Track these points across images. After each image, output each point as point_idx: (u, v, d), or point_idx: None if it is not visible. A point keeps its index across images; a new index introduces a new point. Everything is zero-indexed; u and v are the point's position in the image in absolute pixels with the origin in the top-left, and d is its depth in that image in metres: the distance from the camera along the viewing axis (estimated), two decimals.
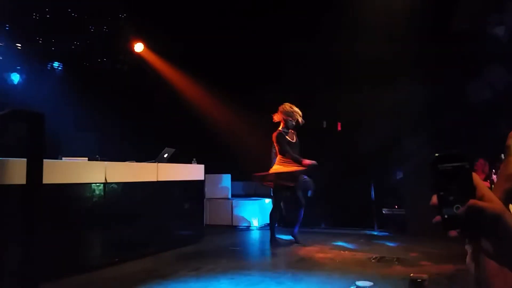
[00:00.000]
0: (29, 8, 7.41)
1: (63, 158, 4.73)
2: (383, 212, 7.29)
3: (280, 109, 6.17)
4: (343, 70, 7.16)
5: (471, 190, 0.65)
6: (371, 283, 3.93)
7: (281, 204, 6.46)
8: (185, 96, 9.17)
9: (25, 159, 3.34)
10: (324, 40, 7.16)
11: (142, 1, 8.45)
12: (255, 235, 7.36)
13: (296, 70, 7.73)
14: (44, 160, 3.50)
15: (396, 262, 4.90)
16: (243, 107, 8.06)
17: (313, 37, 7.29)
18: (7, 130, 4.15)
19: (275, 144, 6.14)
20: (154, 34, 8.47)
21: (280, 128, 6.15)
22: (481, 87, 6.31)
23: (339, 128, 7.96)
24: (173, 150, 6.06)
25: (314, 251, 5.70)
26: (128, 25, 8.59)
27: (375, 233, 7.06)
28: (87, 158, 4.88)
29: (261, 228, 7.91)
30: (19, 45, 7.48)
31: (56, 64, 8.30)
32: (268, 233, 7.00)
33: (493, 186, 0.83)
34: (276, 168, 6.08)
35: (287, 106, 6.15)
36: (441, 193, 0.66)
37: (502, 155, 0.73)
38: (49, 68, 8.27)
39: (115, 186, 4.95)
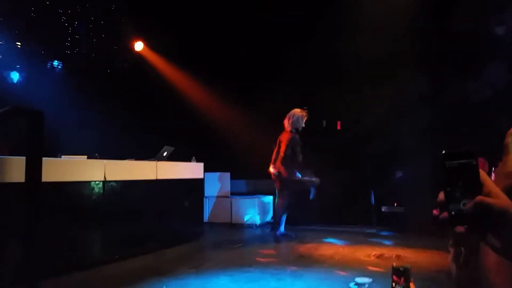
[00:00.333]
0: (28, 6, 7.41)
1: (62, 156, 4.74)
2: (383, 209, 7.29)
3: (291, 115, 6.35)
4: (343, 69, 7.17)
5: (477, 187, 0.66)
6: (370, 280, 3.95)
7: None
8: (184, 94, 9.18)
9: (24, 157, 3.34)
10: (324, 39, 7.16)
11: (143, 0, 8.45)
12: (254, 232, 7.37)
13: (296, 68, 7.74)
14: (43, 158, 3.50)
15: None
16: (242, 105, 8.07)
17: (313, 36, 7.29)
18: (7, 128, 4.16)
19: (290, 146, 6.24)
20: (154, 32, 8.47)
21: (293, 131, 6.32)
22: (481, 86, 6.32)
23: (339, 127, 7.97)
24: (173, 148, 6.06)
25: (313, 248, 5.71)
26: (128, 23, 8.58)
27: (374, 230, 7.07)
28: (86, 156, 4.89)
29: (260, 225, 7.92)
30: (19, 43, 7.48)
31: (55, 62, 8.31)
32: (267, 229, 7.04)
33: None
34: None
35: (298, 111, 6.35)
36: (448, 189, 0.67)
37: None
38: (48, 66, 8.28)
39: (114, 184, 4.96)
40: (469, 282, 0.72)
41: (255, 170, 7.90)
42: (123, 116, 8.11)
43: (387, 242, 6.08)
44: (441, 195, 0.68)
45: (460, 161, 0.67)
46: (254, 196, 8.35)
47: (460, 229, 0.66)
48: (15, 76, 7.76)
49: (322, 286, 3.95)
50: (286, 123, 6.37)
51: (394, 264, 2.91)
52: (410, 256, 5.05)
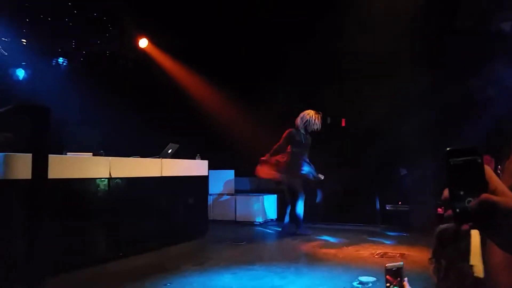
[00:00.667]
0: (34, 4, 7.43)
1: (68, 153, 4.75)
2: (387, 208, 7.29)
3: (304, 115, 6.69)
4: (348, 66, 7.13)
5: (482, 184, 0.65)
6: (374, 279, 3.94)
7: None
8: (189, 92, 9.18)
9: (30, 154, 3.36)
10: (327, 36, 7.13)
11: None
12: (258, 230, 7.38)
13: (300, 65, 7.71)
14: (49, 155, 3.52)
15: (400, 258, 4.90)
16: (246, 103, 8.07)
17: (317, 33, 7.26)
18: (13, 124, 4.18)
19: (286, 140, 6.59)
20: (158, 29, 8.48)
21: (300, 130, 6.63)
22: (486, 83, 6.28)
23: (343, 124, 7.96)
24: (177, 145, 6.07)
25: (317, 246, 5.72)
26: (132, 20, 8.59)
27: (379, 229, 7.07)
28: (91, 153, 4.90)
29: (265, 223, 7.93)
30: (24, 40, 7.51)
31: (61, 59, 8.33)
32: (271, 227, 7.06)
33: None
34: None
35: (312, 113, 6.67)
36: (453, 187, 0.67)
37: None
38: (54, 63, 8.30)
39: (120, 181, 4.98)
40: None
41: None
42: (128, 113, 8.13)
43: (391, 241, 6.07)
44: (446, 193, 0.67)
45: (465, 158, 0.66)
46: (259, 194, 8.36)
47: (465, 227, 0.66)
48: (20, 73, 7.80)
49: (325, 284, 3.96)
50: (297, 121, 6.66)
51: (387, 265, 2.91)
52: (415, 255, 5.04)
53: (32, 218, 3.37)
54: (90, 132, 7.64)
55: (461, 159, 0.66)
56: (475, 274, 0.65)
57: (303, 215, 6.59)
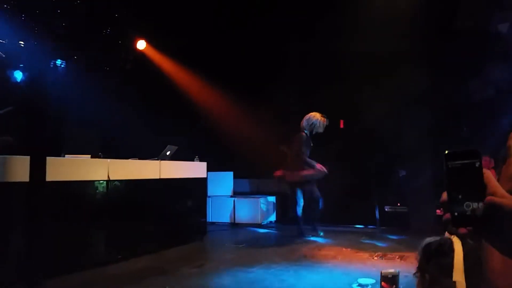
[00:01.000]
0: (32, 5, 7.42)
1: (66, 155, 4.74)
2: (386, 209, 7.28)
3: (309, 117, 6.63)
4: (346, 67, 7.13)
5: (481, 188, 0.64)
6: (373, 281, 3.94)
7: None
8: (187, 93, 9.17)
9: (28, 157, 3.35)
10: (326, 37, 7.13)
11: None
12: (257, 232, 7.37)
13: (299, 67, 7.71)
14: (48, 157, 3.51)
15: (399, 260, 4.90)
16: (245, 104, 8.06)
17: (317, 33, 7.26)
18: (12, 127, 4.17)
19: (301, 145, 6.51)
20: (156, 31, 8.47)
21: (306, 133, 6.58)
22: (484, 84, 6.28)
23: (342, 126, 7.95)
24: (176, 147, 6.07)
25: (316, 248, 5.71)
26: (130, 22, 8.58)
27: (378, 230, 7.06)
28: (89, 156, 4.90)
29: (264, 225, 7.92)
30: (22, 42, 7.49)
31: (58, 61, 8.31)
32: (271, 229, 7.06)
33: None
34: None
35: (318, 116, 6.62)
36: (451, 190, 0.66)
37: None
38: (52, 65, 8.28)
39: (118, 183, 4.97)
40: None
41: (258, 170, 7.91)
42: (126, 116, 8.11)
43: (390, 243, 6.07)
44: (444, 196, 0.67)
45: (463, 162, 0.66)
46: (257, 196, 8.35)
47: (463, 230, 0.65)
48: (18, 75, 7.78)
49: (325, 286, 3.95)
50: (303, 123, 6.63)
51: (382, 271, 2.91)
52: (414, 256, 5.02)
53: (30, 220, 3.36)
54: (88, 134, 7.62)
55: (459, 162, 0.66)
56: None
57: (303, 217, 6.57)
